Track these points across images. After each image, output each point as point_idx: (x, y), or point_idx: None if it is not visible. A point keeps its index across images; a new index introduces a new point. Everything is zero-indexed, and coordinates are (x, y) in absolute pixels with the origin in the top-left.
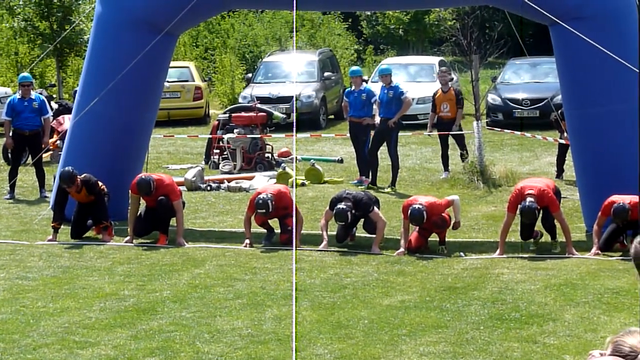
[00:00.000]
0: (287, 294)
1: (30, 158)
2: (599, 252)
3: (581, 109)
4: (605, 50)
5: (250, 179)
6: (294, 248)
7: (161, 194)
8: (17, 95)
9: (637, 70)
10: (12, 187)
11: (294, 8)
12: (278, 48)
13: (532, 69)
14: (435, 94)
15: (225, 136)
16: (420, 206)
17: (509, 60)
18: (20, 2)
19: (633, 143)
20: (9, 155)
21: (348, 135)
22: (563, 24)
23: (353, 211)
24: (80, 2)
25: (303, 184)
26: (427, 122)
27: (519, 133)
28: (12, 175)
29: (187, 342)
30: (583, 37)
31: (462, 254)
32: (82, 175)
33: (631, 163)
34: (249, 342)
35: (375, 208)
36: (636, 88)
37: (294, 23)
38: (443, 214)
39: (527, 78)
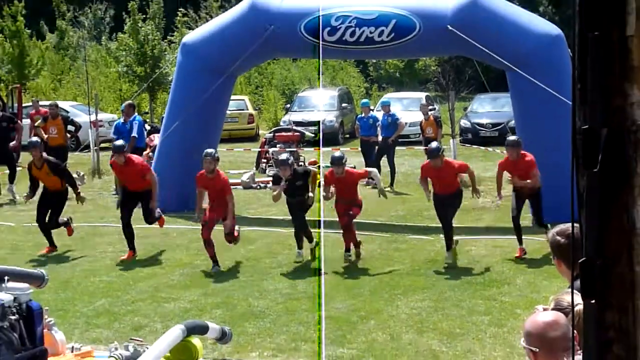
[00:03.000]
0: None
1: None
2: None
3: (528, 130)
4: (545, 87)
5: None
6: (321, 230)
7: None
8: (121, 120)
9: (569, 102)
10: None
11: (320, 58)
12: (308, 86)
13: (493, 101)
14: (421, 122)
15: (270, 150)
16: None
17: (476, 95)
18: (123, 53)
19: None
20: None
21: (359, 149)
22: (516, 69)
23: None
24: (166, 53)
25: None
26: (416, 139)
27: (483, 148)
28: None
29: (242, 298)
30: (530, 78)
31: (441, 235)
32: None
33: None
34: (287, 298)
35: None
36: (568, 116)
37: (320, 68)
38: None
39: (489, 108)
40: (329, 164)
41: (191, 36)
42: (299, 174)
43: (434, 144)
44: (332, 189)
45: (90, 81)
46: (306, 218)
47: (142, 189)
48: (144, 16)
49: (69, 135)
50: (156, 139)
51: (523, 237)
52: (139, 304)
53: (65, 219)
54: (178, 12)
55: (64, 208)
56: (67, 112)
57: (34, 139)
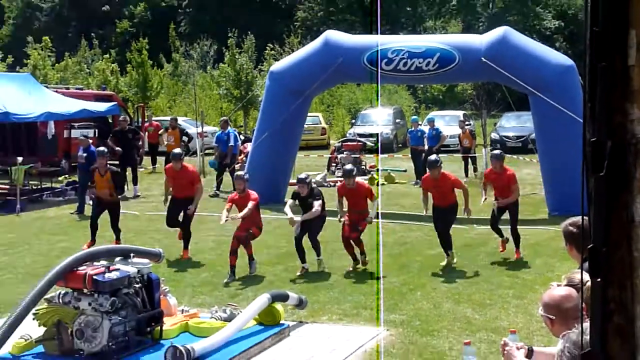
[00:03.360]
0: (372, 247)
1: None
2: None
3: (546, 142)
4: (561, 107)
5: None
6: (379, 220)
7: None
8: (219, 131)
9: (580, 120)
10: (219, 184)
11: (378, 83)
12: (369, 105)
13: (517, 118)
14: (459, 135)
15: (339, 156)
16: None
17: (503, 114)
18: (223, 79)
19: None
20: (219, 164)
21: (410, 156)
22: (537, 93)
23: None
24: (257, 79)
25: (383, 184)
26: (455, 148)
27: (509, 156)
28: (219, 177)
29: (317, 276)
30: (549, 100)
31: (475, 225)
32: None
33: (576, 175)
34: (351, 274)
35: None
36: (580, 131)
37: (378, 91)
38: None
39: (514, 124)
40: (341, 176)
41: (277, 66)
42: (314, 193)
43: (432, 157)
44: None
45: (197, 101)
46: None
47: (186, 196)
48: (240, 50)
49: (182, 143)
50: (248, 147)
51: (540, 227)
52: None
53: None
54: (267, 47)
55: (118, 215)
56: (180, 125)
57: (101, 148)
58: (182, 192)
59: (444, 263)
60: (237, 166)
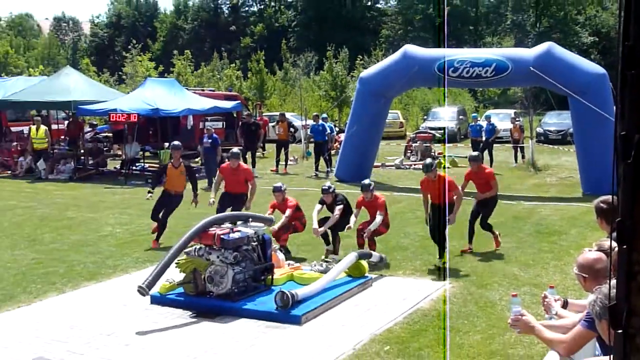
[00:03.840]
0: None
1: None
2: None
3: (583, 135)
4: (595, 108)
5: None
6: (447, 218)
7: None
8: (313, 123)
9: (612, 118)
10: (317, 167)
11: (445, 87)
12: (438, 104)
13: (558, 116)
14: (510, 129)
15: (413, 144)
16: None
17: (547, 112)
18: (322, 83)
19: (609, 153)
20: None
21: (470, 145)
22: (575, 96)
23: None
24: (349, 83)
25: (448, 167)
26: (507, 139)
27: (551, 146)
28: (317, 160)
29: (394, 238)
30: (585, 102)
31: (522, 202)
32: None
33: (608, 161)
34: (422, 238)
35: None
36: (611, 126)
37: (445, 93)
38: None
39: (556, 120)
40: (423, 169)
41: (365, 73)
42: (337, 200)
43: (428, 160)
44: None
45: (302, 100)
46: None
47: (239, 192)
48: (336, 60)
49: (290, 133)
50: (342, 136)
51: (575, 204)
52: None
53: None
54: (357, 58)
55: (174, 210)
56: (288, 119)
57: (176, 143)
58: (236, 188)
59: (437, 263)
60: (332, 152)
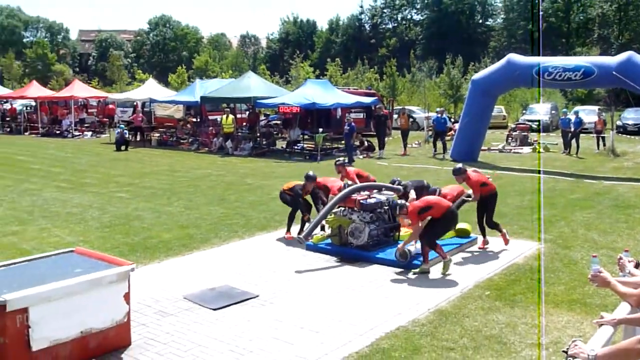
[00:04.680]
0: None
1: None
2: None
3: None
4: None
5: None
6: (541, 174)
7: None
8: (437, 116)
9: None
10: (435, 149)
11: (540, 87)
12: (535, 101)
13: (636, 112)
14: (595, 122)
15: (513, 133)
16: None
17: (626, 109)
18: (441, 84)
19: None
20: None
21: (560, 135)
22: None
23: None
24: (463, 83)
25: (541, 152)
26: (591, 130)
27: (629, 136)
28: (435, 144)
29: (499, 206)
30: None
31: (603, 181)
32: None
33: None
34: (519, 208)
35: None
36: None
37: (540, 92)
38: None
39: (633, 115)
40: (453, 172)
41: (476, 76)
42: (393, 207)
43: (458, 165)
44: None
45: (425, 97)
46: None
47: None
48: (453, 66)
49: (409, 124)
50: (456, 126)
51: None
52: None
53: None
54: (470, 64)
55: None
56: (413, 112)
57: (311, 174)
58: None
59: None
60: (447, 138)
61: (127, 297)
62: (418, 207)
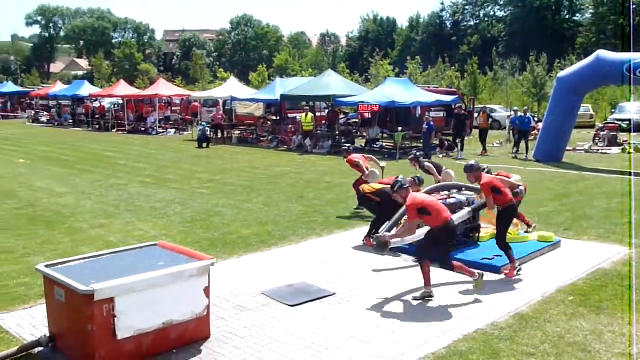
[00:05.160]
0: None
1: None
2: None
3: None
4: None
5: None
6: (632, 176)
7: None
8: (520, 114)
9: None
10: (518, 149)
11: (631, 84)
12: (624, 100)
13: None
14: None
15: (601, 133)
16: None
17: None
18: (525, 82)
19: None
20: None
21: None
22: None
23: None
24: (548, 82)
25: (631, 152)
26: None
27: None
28: (518, 144)
29: (582, 212)
30: None
31: None
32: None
33: None
34: (607, 210)
35: None
36: None
37: (630, 89)
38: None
39: None
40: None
41: (562, 73)
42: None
43: (471, 161)
44: None
45: (508, 96)
46: None
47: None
48: (537, 64)
49: (488, 124)
50: (539, 125)
51: None
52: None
53: None
54: (555, 61)
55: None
56: (494, 110)
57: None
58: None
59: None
60: (530, 137)
61: (207, 291)
62: (419, 204)
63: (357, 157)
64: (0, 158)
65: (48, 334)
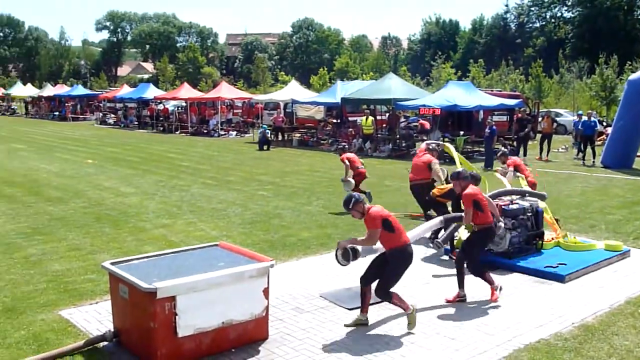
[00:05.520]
0: None
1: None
2: None
3: None
4: None
5: None
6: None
7: None
8: (584, 119)
9: None
10: (584, 155)
11: None
12: None
13: None
14: None
15: None
16: None
17: None
18: (593, 85)
19: None
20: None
21: None
22: None
23: None
24: (618, 85)
25: None
26: None
27: None
28: (584, 149)
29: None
30: None
31: None
32: None
33: None
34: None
35: None
36: None
37: None
38: None
39: None
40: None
41: (634, 76)
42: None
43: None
44: None
45: (574, 99)
46: None
47: (419, 179)
48: (606, 66)
49: (553, 129)
50: (608, 130)
51: None
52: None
53: None
54: (626, 64)
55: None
56: (560, 114)
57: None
58: (415, 175)
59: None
60: (597, 143)
61: (266, 292)
62: (383, 217)
63: (348, 157)
64: (70, 159)
65: (112, 329)
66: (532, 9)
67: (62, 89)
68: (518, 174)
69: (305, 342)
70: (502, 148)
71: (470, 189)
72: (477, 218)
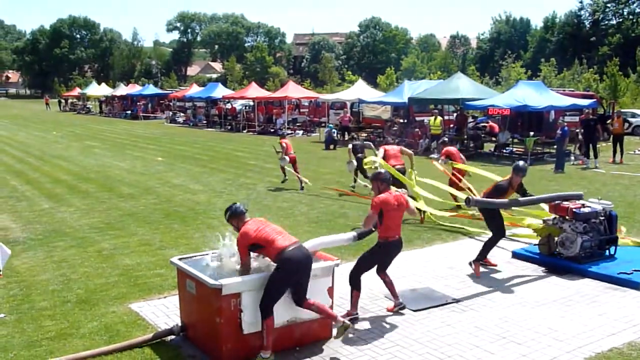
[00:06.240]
0: None
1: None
2: None
3: None
4: None
5: None
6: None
7: None
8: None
9: None
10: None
11: None
12: None
13: None
14: None
15: None
16: None
17: None
18: None
19: None
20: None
21: None
22: None
23: None
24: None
25: None
26: None
27: None
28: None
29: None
30: None
31: None
32: None
33: None
34: None
35: None
36: None
37: None
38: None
39: None
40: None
41: None
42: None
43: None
44: None
45: None
46: None
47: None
48: None
49: (624, 128)
50: None
51: None
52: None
53: None
54: None
55: None
56: (636, 115)
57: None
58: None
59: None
60: None
61: (330, 291)
62: (249, 243)
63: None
64: (141, 156)
65: (180, 324)
66: (608, 5)
67: (134, 89)
68: (450, 160)
69: (369, 343)
70: (445, 139)
71: (386, 194)
72: (380, 230)
